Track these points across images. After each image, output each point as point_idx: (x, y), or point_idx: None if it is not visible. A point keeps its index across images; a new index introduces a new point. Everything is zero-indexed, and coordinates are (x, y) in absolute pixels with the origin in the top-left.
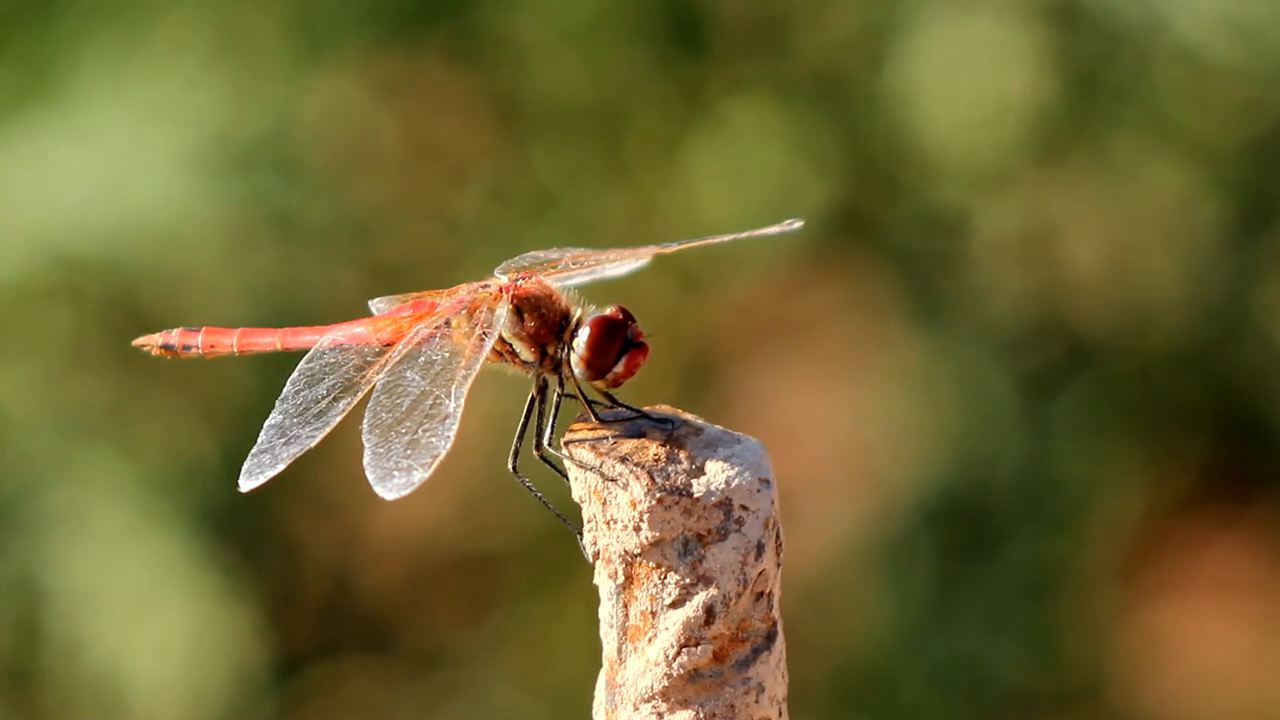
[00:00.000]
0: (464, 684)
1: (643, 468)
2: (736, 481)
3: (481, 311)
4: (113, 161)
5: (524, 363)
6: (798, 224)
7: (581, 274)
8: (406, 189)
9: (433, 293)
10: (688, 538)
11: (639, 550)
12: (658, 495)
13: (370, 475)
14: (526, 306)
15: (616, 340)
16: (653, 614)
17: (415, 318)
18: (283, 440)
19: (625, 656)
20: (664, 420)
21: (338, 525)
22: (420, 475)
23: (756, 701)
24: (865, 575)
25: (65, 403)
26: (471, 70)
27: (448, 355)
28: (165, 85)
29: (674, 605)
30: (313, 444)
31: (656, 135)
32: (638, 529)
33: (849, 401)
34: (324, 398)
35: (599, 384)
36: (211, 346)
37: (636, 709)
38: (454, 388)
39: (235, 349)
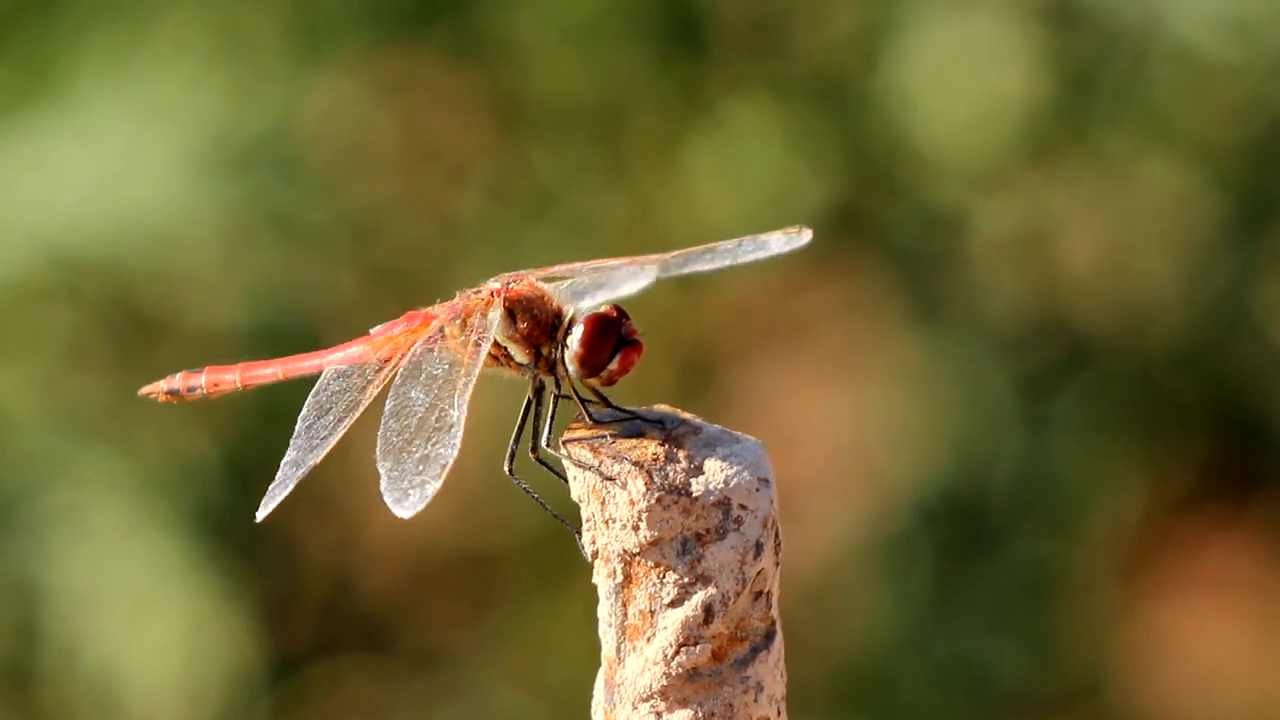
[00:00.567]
0: (463, 684)
1: (641, 467)
2: (735, 481)
3: (474, 317)
4: (112, 161)
5: (519, 365)
6: (807, 235)
7: (590, 289)
8: (406, 189)
9: (424, 310)
10: (686, 537)
11: (637, 549)
12: (656, 494)
13: (389, 499)
14: (519, 308)
15: (610, 338)
16: (651, 613)
17: (410, 331)
18: (296, 470)
19: (624, 656)
20: (661, 420)
21: (337, 525)
22: (433, 487)
23: (755, 701)
24: (864, 575)
25: (64, 403)
26: (471, 70)
27: (447, 367)
28: (165, 85)
29: (673, 604)
30: (316, 461)
31: (656, 135)
32: (636, 528)
33: (848, 401)
34: (331, 423)
35: (594, 382)
36: (215, 385)
37: (635, 708)
38: (456, 397)
39: (239, 384)
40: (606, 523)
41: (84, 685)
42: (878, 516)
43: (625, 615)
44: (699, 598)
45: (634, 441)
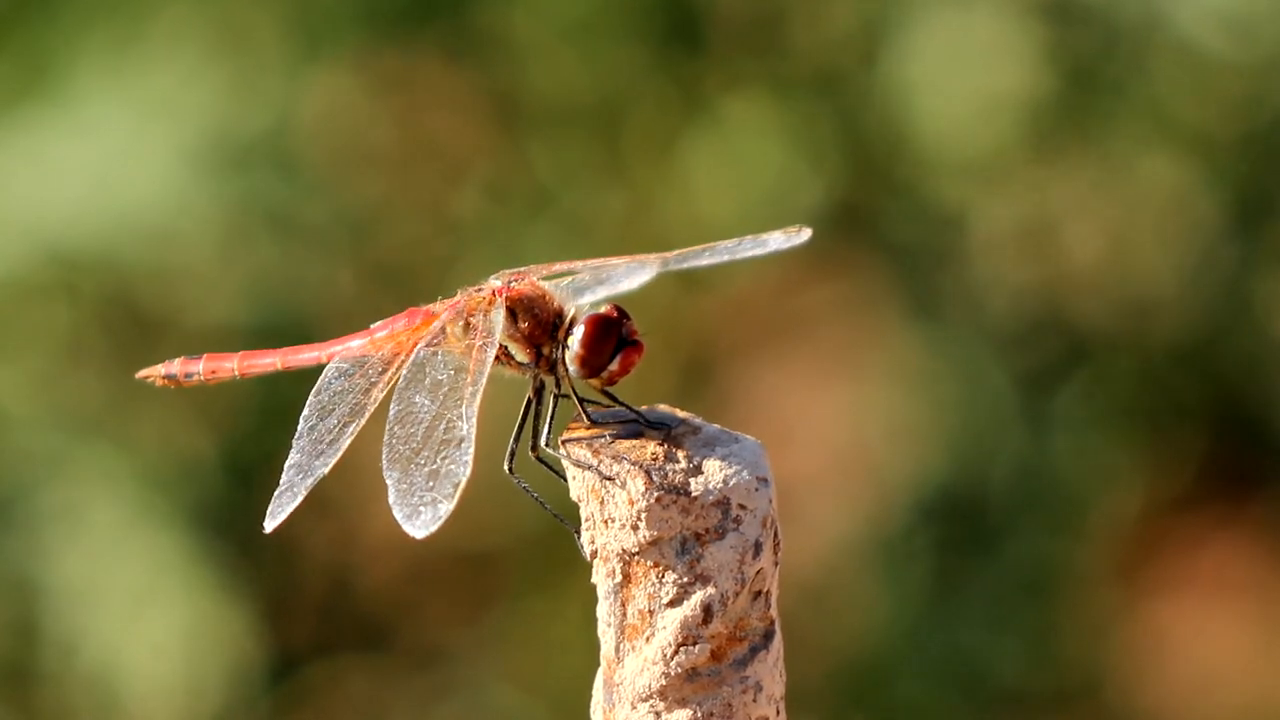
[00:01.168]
0: (462, 683)
1: (640, 466)
2: (734, 480)
3: (476, 318)
4: (110, 158)
5: (519, 364)
6: (806, 233)
7: (591, 286)
8: (403, 187)
9: (427, 304)
10: (685, 536)
11: (637, 549)
12: (655, 494)
13: (398, 514)
14: (520, 308)
15: (611, 338)
16: (650, 613)
17: (412, 328)
18: (301, 476)
19: (623, 655)
20: (661, 422)
21: (336, 524)
22: (446, 507)
23: (754, 700)
24: (863, 572)
25: (62, 400)
26: (469, 68)
27: (452, 372)
28: (163, 82)
29: (672, 604)
30: (325, 471)
31: (654, 132)
32: (635, 528)
33: (847, 398)
34: (336, 426)
35: (594, 382)
36: (213, 372)
37: (634, 708)
38: (464, 408)
39: (236, 373)
40: (605, 522)
41: (83, 683)
42: (876, 514)
43: (624, 615)
44: (698, 597)
45: (633, 441)
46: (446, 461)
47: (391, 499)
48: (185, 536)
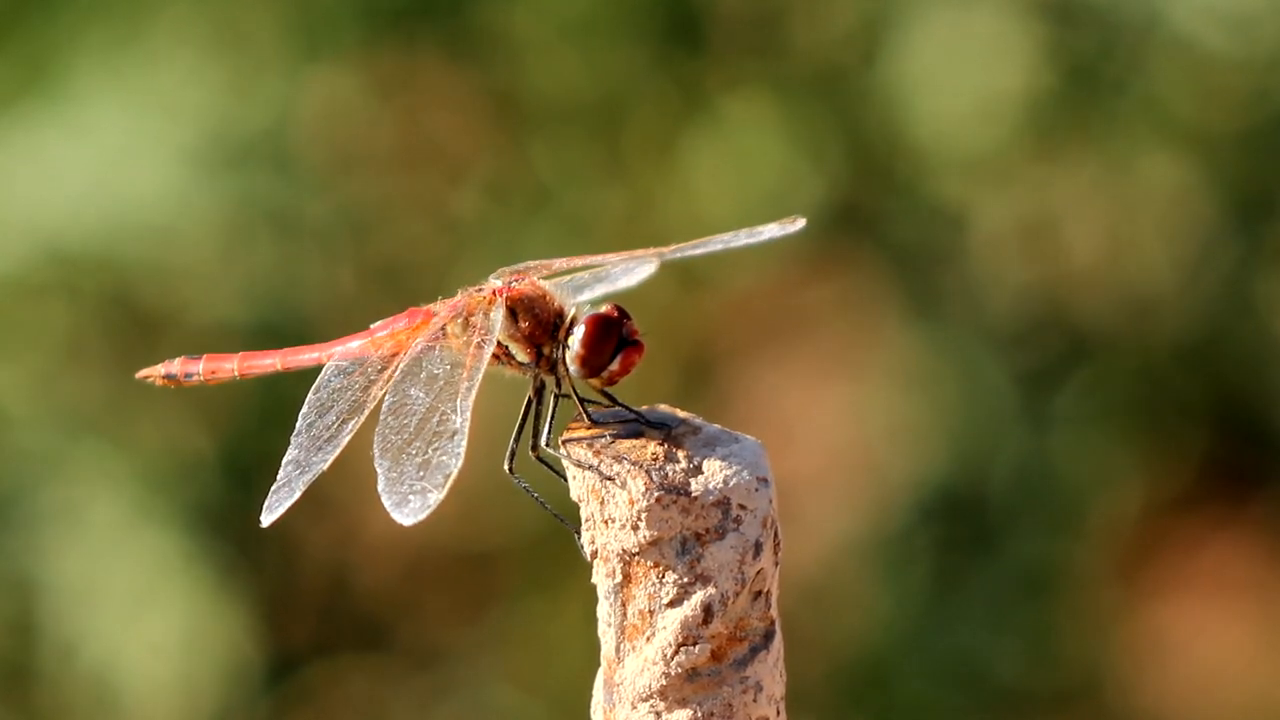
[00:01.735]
0: (461, 682)
1: (640, 466)
2: (735, 480)
3: (476, 317)
4: (109, 156)
5: (520, 364)
6: (800, 222)
7: (589, 283)
8: (403, 186)
9: (427, 304)
10: (686, 537)
11: (637, 549)
12: (656, 494)
13: (387, 502)
14: (520, 307)
15: (611, 338)
16: (650, 613)
17: (412, 328)
18: (299, 472)
19: (623, 655)
20: (661, 422)
21: (335, 523)
22: (436, 497)
23: (754, 700)
24: (863, 572)
25: (61, 399)
26: (469, 67)
27: (449, 367)
28: (162, 80)
29: (672, 604)
30: (324, 467)
31: (654, 132)
32: (635, 528)
33: (847, 398)
34: (334, 423)
35: (594, 382)
36: (213, 373)
37: (634, 708)
38: (459, 401)
39: (236, 373)
40: (606, 522)
41: (82, 682)
42: (876, 514)
43: (624, 615)
44: (698, 597)
45: (633, 441)
46: (438, 453)
47: (381, 487)
48: (184, 536)
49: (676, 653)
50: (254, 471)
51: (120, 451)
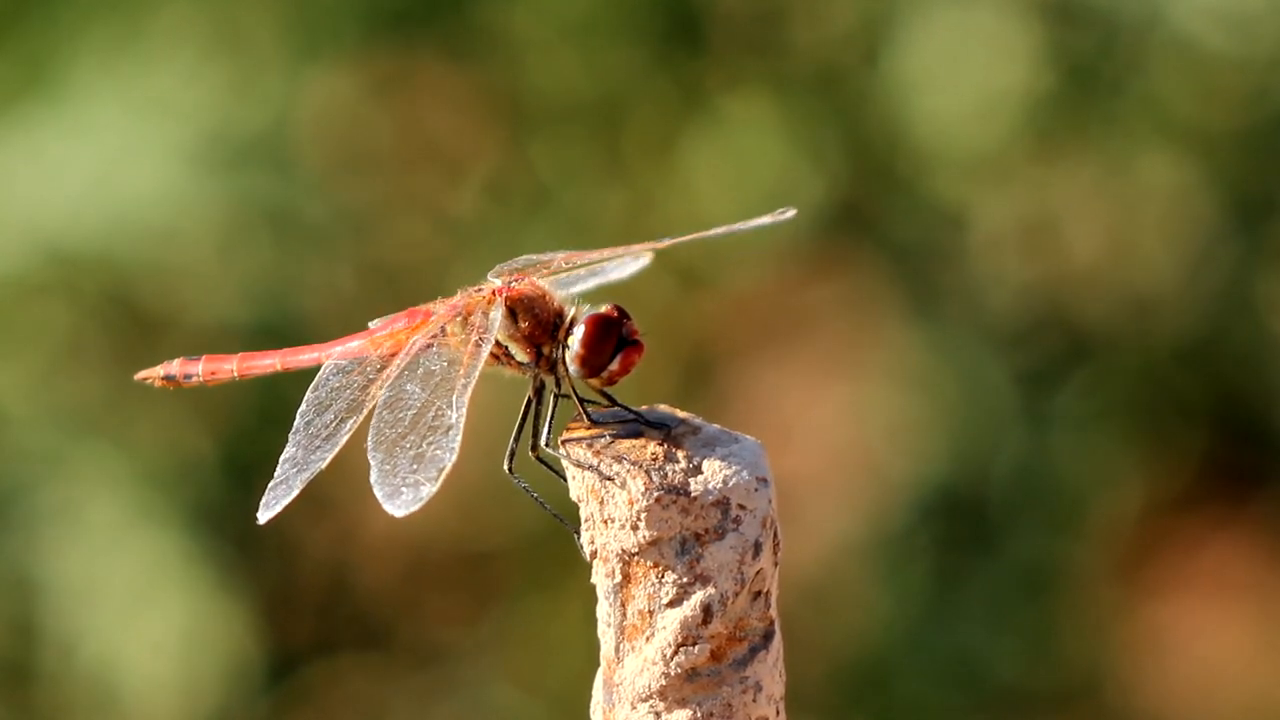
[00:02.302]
0: (461, 682)
1: (640, 466)
2: (734, 480)
3: (475, 316)
4: (109, 156)
5: (520, 364)
6: (791, 212)
7: (584, 277)
8: (402, 186)
9: (427, 304)
10: (685, 537)
11: (636, 549)
12: (655, 494)
13: (379, 493)
14: (520, 308)
15: (611, 338)
16: (650, 613)
17: (411, 328)
18: (297, 470)
19: (623, 655)
20: (661, 422)
21: (335, 522)
22: (428, 489)
23: (754, 701)
24: (863, 572)
25: (61, 399)
26: (468, 67)
27: (446, 364)
28: (161, 80)
29: (671, 604)
30: (322, 466)
31: (654, 131)
32: (635, 528)
33: (847, 397)
34: (332, 421)
35: (594, 382)
36: (212, 374)
37: (634, 708)
38: (454, 397)
39: (236, 374)
40: (605, 522)
41: (81, 681)
42: (876, 513)
43: (624, 615)
44: (698, 598)
45: (633, 441)
46: (432, 446)
47: (373, 478)
48: (184, 536)
49: (676, 653)
50: (253, 471)
51: (120, 451)
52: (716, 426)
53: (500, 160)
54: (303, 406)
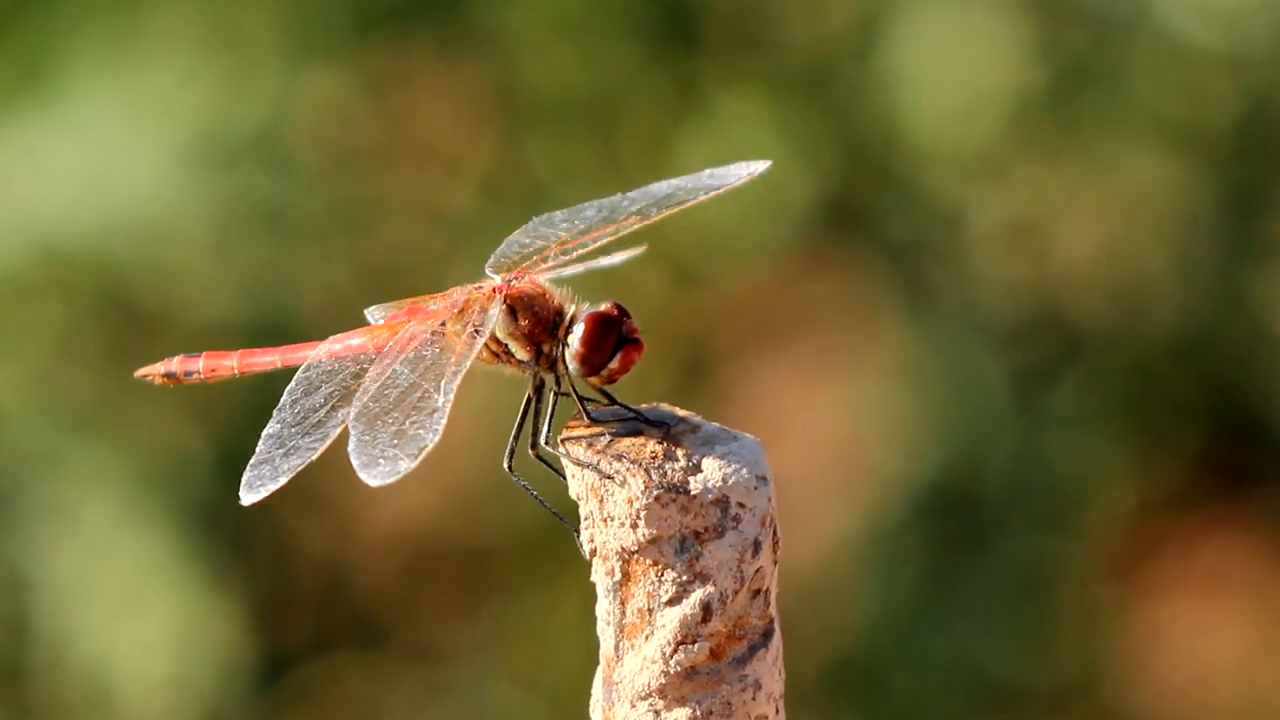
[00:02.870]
0: (459, 680)
1: (640, 465)
2: (734, 479)
3: (474, 311)
4: (104, 155)
5: (520, 362)
6: (765, 165)
7: (576, 266)
8: (398, 183)
9: (427, 297)
10: (685, 535)
11: (636, 547)
12: (655, 492)
13: (355, 461)
14: (520, 305)
15: (611, 336)
16: (649, 611)
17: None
18: (282, 450)
19: (622, 654)
20: (660, 420)
21: (332, 521)
22: (406, 465)
23: (754, 699)
24: (858, 569)
25: (55, 397)
26: (463, 64)
27: (438, 351)
28: (157, 79)
29: (671, 603)
30: (314, 456)
31: (649, 128)
32: (635, 526)
33: (842, 395)
34: (321, 406)
35: (594, 381)
36: (213, 370)
37: (634, 706)
38: (443, 383)
39: (236, 370)
40: (605, 521)
41: (74, 680)
42: (871, 510)
43: (623, 613)
44: (697, 596)
45: (632, 440)
46: (415, 426)
47: (351, 446)
48: (177, 534)
49: (675, 651)
50: None
51: (115, 450)
52: (716, 425)
53: (496, 157)
54: (291, 384)
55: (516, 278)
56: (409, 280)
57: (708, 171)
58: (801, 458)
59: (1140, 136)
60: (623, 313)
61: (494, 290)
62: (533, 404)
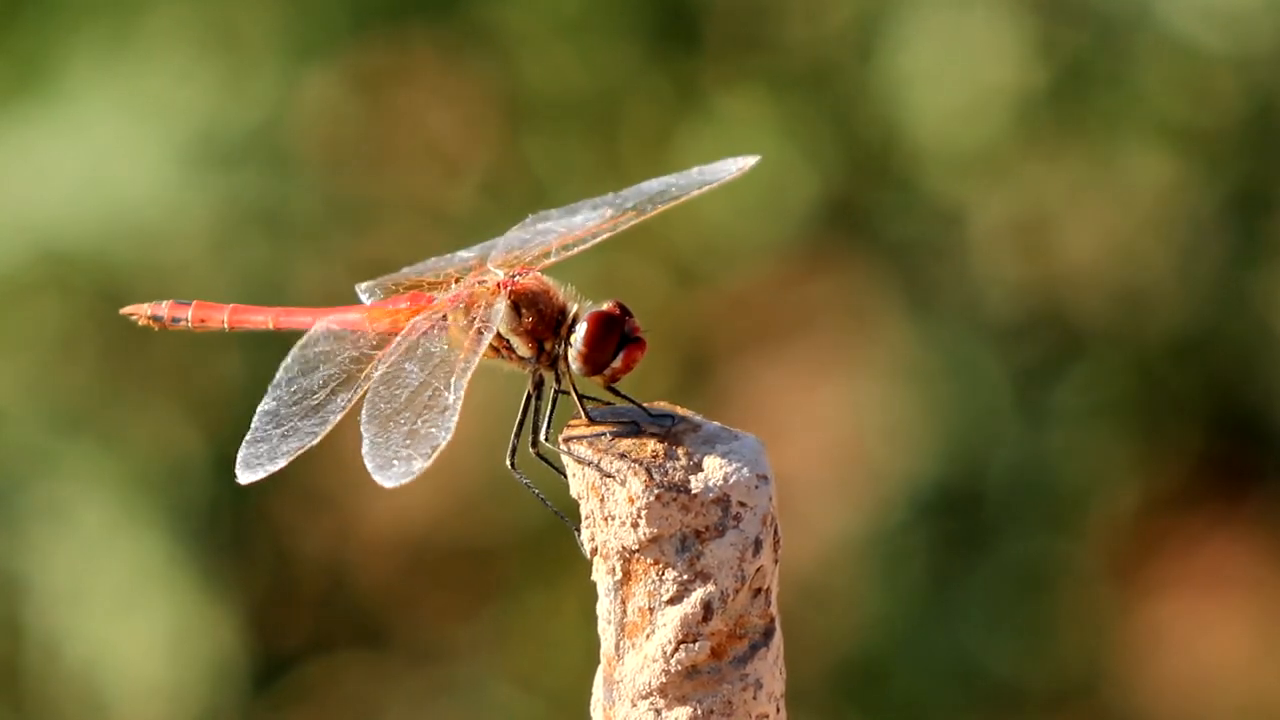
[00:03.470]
0: (459, 679)
1: (641, 464)
2: (734, 478)
3: (479, 307)
4: (102, 155)
5: (521, 359)
6: (753, 160)
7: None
8: (397, 183)
9: (427, 283)
10: (685, 534)
11: (637, 546)
12: (656, 491)
13: (369, 464)
14: (524, 302)
15: (614, 335)
16: (650, 610)
17: (412, 310)
18: (280, 431)
19: (623, 653)
20: (662, 416)
21: (332, 520)
22: (420, 464)
23: (754, 698)
24: (860, 568)
25: (52, 396)
26: (463, 64)
27: (446, 348)
28: (155, 79)
29: (672, 602)
30: (314, 441)
31: (649, 128)
32: (635, 525)
33: (843, 394)
34: (320, 389)
35: (597, 380)
36: (202, 321)
37: (634, 705)
38: (453, 380)
39: (226, 325)
40: (606, 520)
41: (68, 680)
42: (872, 510)
43: (624, 612)
44: (698, 595)
45: (633, 439)
46: (427, 424)
47: (365, 450)
48: (173, 535)
49: (676, 650)
50: None
51: (110, 450)
52: (716, 424)
53: (496, 157)
54: (287, 360)
55: (521, 273)
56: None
57: (697, 169)
58: (802, 456)
59: (1143, 136)
60: (625, 312)
61: (499, 286)
62: (533, 402)
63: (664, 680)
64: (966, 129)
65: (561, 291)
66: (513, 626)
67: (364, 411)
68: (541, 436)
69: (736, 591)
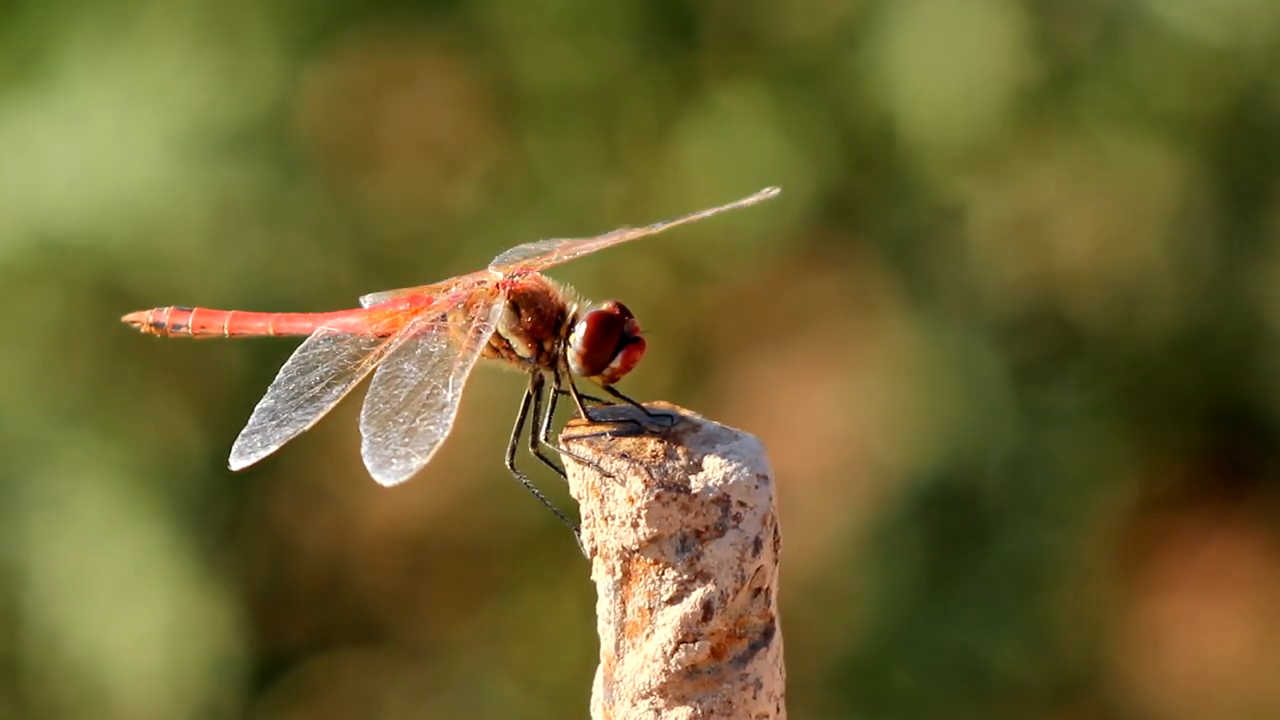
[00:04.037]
0: (458, 677)
1: (640, 464)
2: (734, 478)
3: (478, 307)
4: (100, 145)
5: (520, 359)
6: (774, 191)
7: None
8: (397, 178)
9: (427, 288)
10: (685, 534)
11: (636, 546)
12: (656, 491)
13: (369, 463)
14: (523, 302)
15: (613, 336)
16: (650, 610)
17: (411, 311)
18: (275, 423)
19: (623, 653)
20: (662, 416)
21: (331, 517)
22: (419, 461)
23: (754, 698)
24: (858, 565)
25: (50, 388)
26: (463, 59)
27: (444, 347)
28: (153, 69)
29: (671, 601)
30: (306, 427)
31: (649, 124)
32: (635, 525)
33: (842, 391)
34: (317, 384)
35: (596, 380)
36: (202, 327)
37: (634, 705)
38: (451, 378)
39: (226, 331)
40: (605, 519)
41: (67, 672)
42: (872, 507)
43: (624, 612)
44: (698, 595)
45: (633, 439)
46: (425, 422)
47: (364, 449)
48: (171, 527)
49: (676, 650)
50: None
51: (109, 442)
52: (716, 424)
53: (495, 153)
54: (288, 363)
55: (520, 273)
56: (408, 275)
57: (726, 206)
58: (802, 454)
59: (1138, 130)
60: (624, 312)
61: (498, 285)
62: (532, 402)
63: (664, 680)
64: (961, 123)
65: (561, 291)
66: (512, 625)
67: (363, 412)
68: (541, 436)
69: (736, 591)
